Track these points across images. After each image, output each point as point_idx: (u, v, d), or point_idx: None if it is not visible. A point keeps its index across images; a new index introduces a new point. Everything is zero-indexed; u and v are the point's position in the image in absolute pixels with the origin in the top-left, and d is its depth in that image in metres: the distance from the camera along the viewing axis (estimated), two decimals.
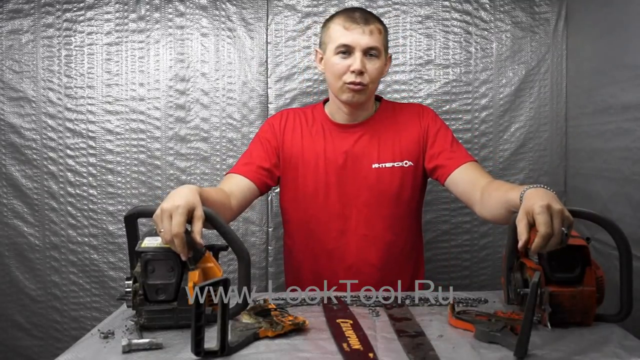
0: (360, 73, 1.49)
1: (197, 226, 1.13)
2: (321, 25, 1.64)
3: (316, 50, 1.62)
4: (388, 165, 1.57)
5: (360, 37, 1.49)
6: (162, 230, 1.12)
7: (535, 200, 1.06)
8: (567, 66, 2.00)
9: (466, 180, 1.49)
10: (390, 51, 1.99)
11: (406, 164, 1.58)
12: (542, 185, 1.14)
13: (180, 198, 1.14)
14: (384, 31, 1.56)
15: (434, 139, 1.58)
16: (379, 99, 1.70)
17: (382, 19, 1.60)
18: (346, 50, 1.50)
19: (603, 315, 1.16)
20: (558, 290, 1.12)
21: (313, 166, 1.59)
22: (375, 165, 1.57)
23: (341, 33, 1.50)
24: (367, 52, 1.50)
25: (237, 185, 1.53)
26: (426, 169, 1.59)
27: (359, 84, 1.50)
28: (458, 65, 2.02)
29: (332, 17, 1.58)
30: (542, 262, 1.15)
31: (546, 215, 1.04)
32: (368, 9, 1.97)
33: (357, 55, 1.49)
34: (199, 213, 1.14)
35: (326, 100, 1.68)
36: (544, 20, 2.01)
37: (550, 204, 1.05)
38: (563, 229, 1.05)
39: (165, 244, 1.13)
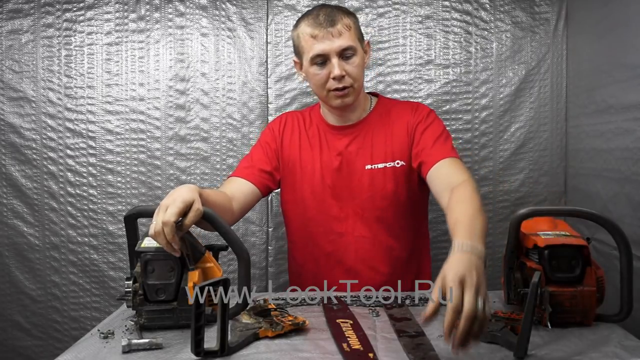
0: (341, 77, 1.48)
1: (190, 216, 1.13)
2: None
3: (294, 61, 1.59)
4: (380, 166, 1.56)
5: (331, 42, 1.46)
6: (154, 222, 1.11)
7: (450, 270, 0.97)
8: (567, 66, 2.00)
9: (438, 180, 1.43)
10: (390, 51, 2.02)
11: (398, 164, 1.55)
12: (467, 246, 1.03)
13: (179, 195, 1.14)
14: (354, 23, 1.51)
15: (420, 137, 1.54)
16: (376, 94, 1.68)
17: (348, 9, 1.56)
18: (322, 60, 1.48)
19: (603, 315, 1.16)
20: (558, 290, 1.12)
21: (310, 169, 1.59)
22: (369, 167, 1.56)
23: (311, 43, 1.48)
24: (342, 54, 1.47)
25: (238, 188, 1.53)
26: (413, 168, 1.55)
27: (342, 88, 1.49)
28: (458, 65, 2.02)
29: (298, 22, 1.54)
30: (542, 262, 1.15)
31: (457, 289, 0.93)
32: (368, 8, 2.00)
33: (334, 61, 1.47)
34: (197, 207, 1.14)
35: None
36: (544, 20, 2.01)
37: (464, 275, 0.95)
38: (479, 304, 0.92)
39: (152, 236, 1.11)
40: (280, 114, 1.77)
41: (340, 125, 1.61)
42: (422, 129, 1.55)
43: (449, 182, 1.37)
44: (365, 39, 1.58)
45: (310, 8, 2.00)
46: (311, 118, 1.66)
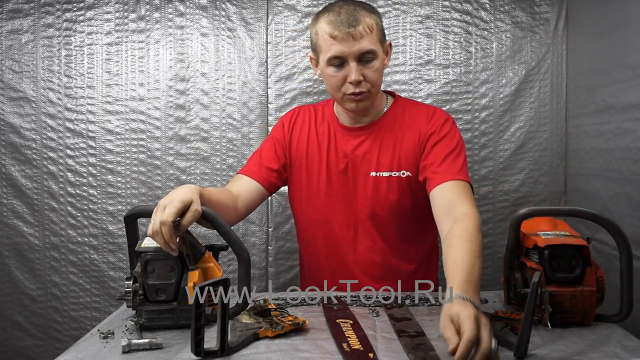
0: (359, 82, 1.40)
1: (188, 216, 1.13)
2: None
3: (310, 57, 1.52)
4: (385, 174, 1.49)
5: (351, 44, 1.37)
6: (152, 221, 1.12)
7: (460, 309, 0.95)
8: (567, 66, 2.00)
9: (440, 205, 1.36)
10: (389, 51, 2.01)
11: (404, 174, 1.48)
12: (468, 298, 1.01)
13: (177, 195, 1.15)
14: (377, 24, 1.42)
15: (430, 150, 1.45)
16: (393, 94, 1.61)
17: (372, 7, 1.47)
18: (339, 62, 1.40)
19: (603, 315, 1.16)
20: (558, 290, 1.12)
21: (316, 168, 1.55)
22: (373, 174, 1.50)
23: (330, 43, 1.39)
24: (362, 57, 1.39)
25: (244, 186, 1.52)
26: (419, 180, 1.47)
27: (359, 93, 1.42)
28: (458, 65, 2.02)
29: (318, 17, 1.44)
30: (542, 262, 1.15)
31: (473, 324, 0.92)
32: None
33: (352, 65, 1.39)
34: (195, 207, 1.14)
35: None
36: (544, 20, 2.01)
37: (479, 315, 0.94)
38: (494, 346, 0.92)
39: (151, 235, 1.12)
40: (292, 108, 1.71)
41: (351, 126, 1.54)
42: (434, 142, 1.46)
43: (450, 210, 1.31)
44: (387, 40, 1.49)
45: (310, 7, 2.01)
46: (324, 114, 1.59)
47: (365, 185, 1.51)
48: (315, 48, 1.47)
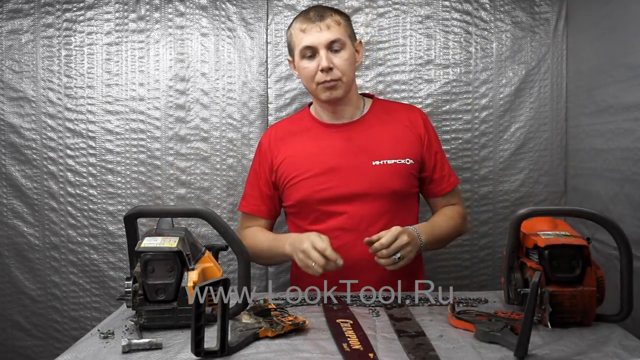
0: (329, 69, 1.51)
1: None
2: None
3: (289, 60, 1.65)
4: (390, 162, 1.57)
5: (319, 34, 1.51)
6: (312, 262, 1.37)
7: (405, 230, 1.40)
8: (567, 66, 2.00)
9: (441, 204, 1.68)
10: (390, 51, 2.02)
11: (408, 161, 1.58)
12: (417, 230, 1.46)
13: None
14: (345, 21, 1.57)
15: (434, 156, 1.63)
16: (370, 96, 1.71)
17: (342, 10, 1.63)
18: (311, 53, 1.53)
19: (603, 315, 1.16)
20: (558, 290, 1.12)
21: (307, 169, 1.58)
22: (377, 162, 1.56)
23: (301, 37, 1.53)
24: (330, 47, 1.52)
25: (266, 226, 1.68)
26: (421, 173, 1.63)
27: (330, 80, 1.52)
28: (458, 65, 2.02)
29: (291, 23, 1.61)
30: (542, 262, 1.15)
31: (392, 237, 1.37)
32: (368, 8, 2.00)
33: (322, 53, 1.51)
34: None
35: (311, 104, 1.71)
36: (544, 20, 2.01)
37: (404, 234, 1.38)
38: (398, 255, 1.38)
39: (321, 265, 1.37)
40: (273, 123, 1.81)
41: (335, 123, 1.62)
42: (435, 145, 1.64)
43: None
44: (358, 39, 1.63)
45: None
46: (302, 120, 1.68)
47: (368, 175, 1.56)
48: (291, 48, 1.60)
